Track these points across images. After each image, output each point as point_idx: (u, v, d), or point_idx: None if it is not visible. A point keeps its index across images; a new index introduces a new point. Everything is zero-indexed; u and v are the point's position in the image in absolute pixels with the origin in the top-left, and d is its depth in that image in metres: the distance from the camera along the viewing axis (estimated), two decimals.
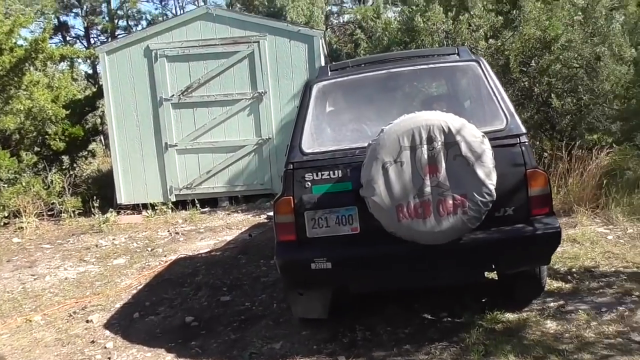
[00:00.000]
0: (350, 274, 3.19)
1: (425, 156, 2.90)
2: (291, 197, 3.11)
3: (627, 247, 4.67)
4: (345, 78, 3.71)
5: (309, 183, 3.11)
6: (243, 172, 8.16)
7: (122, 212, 8.45)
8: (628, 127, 6.54)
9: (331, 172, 3.12)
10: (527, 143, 3.19)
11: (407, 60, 3.89)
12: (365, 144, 3.05)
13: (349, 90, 3.81)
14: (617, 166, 6.06)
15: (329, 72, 3.76)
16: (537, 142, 7.04)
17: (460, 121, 2.96)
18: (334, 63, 3.95)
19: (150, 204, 8.29)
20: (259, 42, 7.84)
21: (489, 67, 3.52)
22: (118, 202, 8.43)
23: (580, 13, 6.51)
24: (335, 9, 21.10)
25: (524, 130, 3.24)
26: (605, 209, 5.67)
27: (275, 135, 8.01)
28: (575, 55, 6.55)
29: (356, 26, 13.38)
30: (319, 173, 3.11)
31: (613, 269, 4.15)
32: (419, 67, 3.75)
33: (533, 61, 6.76)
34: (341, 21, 20.64)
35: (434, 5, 6.75)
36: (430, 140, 2.90)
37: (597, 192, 5.84)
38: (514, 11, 6.87)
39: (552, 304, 3.55)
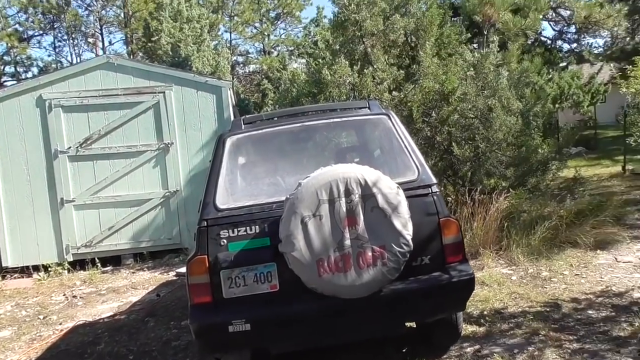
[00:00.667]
0: (271, 334, 3.04)
1: (344, 209, 2.90)
2: (205, 256, 2.95)
3: (530, 286, 4.93)
4: (260, 131, 3.66)
5: (225, 240, 2.98)
6: (149, 227, 7.71)
7: (9, 276, 7.61)
8: (520, 173, 7.08)
9: (248, 228, 3.02)
10: (438, 193, 3.31)
11: (321, 114, 3.95)
12: (282, 198, 3.00)
13: (264, 144, 3.76)
14: (515, 209, 6.49)
15: (243, 125, 3.69)
16: (442, 188, 7.38)
17: (376, 173, 3.01)
18: (247, 116, 3.90)
19: (43, 265, 7.56)
20: (164, 92, 7.61)
21: (398, 120, 3.65)
22: (3, 265, 7.58)
23: (472, 69, 7.07)
24: (240, 59, 21.39)
25: (434, 180, 3.36)
26: (508, 250, 6.00)
27: (184, 187, 7.71)
28: (471, 107, 7.04)
29: (263, 76, 13.59)
30: (235, 229, 2.99)
31: (520, 310, 4.34)
32: (332, 120, 3.81)
33: (433, 112, 7.17)
34: (247, 71, 20.90)
35: (339, 59, 7.00)
36: (348, 193, 2.91)
37: (500, 235, 6.19)
38: (414, 66, 7.31)
39: (468, 349, 3.61)
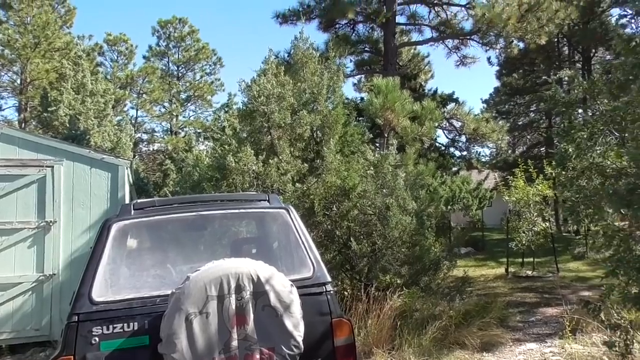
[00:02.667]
0: None
1: (233, 307, 2.74)
2: (72, 357, 2.59)
3: None
4: (151, 218, 3.44)
5: (97, 338, 2.66)
6: (14, 315, 6.71)
7: None
8: (414, 271, 7.29)
9: (125, 325, 2.73)
10: (332, 291, 3.25)
11: (218, 204, 3.83)
12: (168, 292, 2.77)
13: (154, 232, 3.54)
14: (408, 307, 6.59)
15: (132, 211, 3.45)
16: (339, 282, 7.37)
17: (270, 270, 2.90)
18: (138, 201, 3.66)
19: None
20: (53, 166, 7.01)
21: (297, 215, 3.62)
22: None
23: (372, 168, 7.40)
24: (145, 136, 20.95)
25: (329, 278, 3.30)
26: (400, 350, 5.97)
27: (62, 270, 6.92)
28: (370, 204, 7.28)
29: (166, 156, 13.29)
30: (110, 326, 2.69)
31: None
32: (229, 211, 3.70)
33: (334, 206, 7.31)
34: (151, 149, 20.41)
35: (245, 147, 7.03)
36: (239, 289, 2.76)
37: (393, 333, 6.19)
38: (318, 160, 7.52)
39: None
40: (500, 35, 13.05)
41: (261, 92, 7.41)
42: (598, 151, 3.22)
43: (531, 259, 12.49)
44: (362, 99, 9.63)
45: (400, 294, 6.62)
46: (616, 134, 3.13)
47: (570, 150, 3.55)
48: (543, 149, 26.54)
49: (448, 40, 15.50)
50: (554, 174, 13.26)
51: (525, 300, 9.06)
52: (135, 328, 2.74)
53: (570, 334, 6.47)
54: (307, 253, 3.35)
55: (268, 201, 3.75)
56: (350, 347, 3.14)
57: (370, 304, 6.39)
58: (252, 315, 2.75)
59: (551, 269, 12.12)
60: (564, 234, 19.28)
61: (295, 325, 2.80)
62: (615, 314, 4.39)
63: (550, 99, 3.64)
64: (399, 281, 7.60)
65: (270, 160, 7.33)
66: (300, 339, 2.79)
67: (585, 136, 3.25)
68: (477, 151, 22.69)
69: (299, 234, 3.45)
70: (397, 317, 6.39)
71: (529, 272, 11.71)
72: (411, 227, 7.11)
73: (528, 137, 29.32)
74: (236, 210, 3.72)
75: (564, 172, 3.97)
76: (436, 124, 10.48)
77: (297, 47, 8.12)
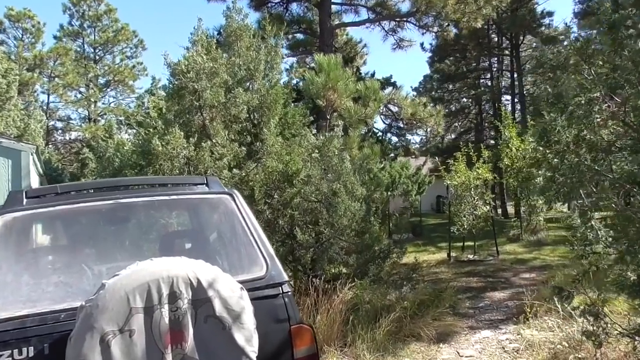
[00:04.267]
0: None
1: (167, 320, 2.08)
2: None
3: None
4: (50, 209, 2.63)
5: None
6: None
7: None
8: (363, 260, 6.82)
9: (16, 352, 2.01)
10: (290, 293, 2.66)
11: (143, 189, 3.05)
12: (76, 305, 2.06)
13: (56, 226, 2.75)
14: (359, 300, 6.10)
15: (24, 200, 2.64)
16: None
17: (213, 271, 2.26)
18: (33, 188, 2.84)
19: None
20: None
21: (243, 202, 2.96)
22: None
23: (317, 151, 6.81)
24: (60, 124, 19.17)
25: (285, 277, 2.71)
26: (353, 347, 5.49)
27: None
28: (315, 190, 6.70)
29: (84, 145, 12.03)
30: None
31: None
32: (158, 197, 2.91)
33: (276, 193, 6.68)
34: (67, 138, 18.72)
35: (174, 129, 6.21)
36: (174, 297, 2.11)
37: (344, 329, 5.69)
38: (257, 143, 6.83)
39: None
40: (439, 17, 12.85)
41: (190, 67, 6.60)
42: (598, 119, 2.82)
43: (471, 243, 12.47)
44: (297, 83, 9.08)
45: (351, 286, 6.11)
46: (617, 99, 2.74)
47: (560, 120, 3.12)
48: (473, 135, 27.22)
49: (385, 22, 15.18)
50: (494, 159, 13.41)
51: (471, 285, 8.87)
52: (31, 355, 2.02)
53: (524, 319, 6.28)
54: (258, 247, 2.74)
55: (207, 185, 3.04)
56: (312, 358, 2.59)
57: (318, 298, 5.85)
58: (191, 330, 2.13)
59: (491, 252, 12.14)
60: (497, 217, 19.72)
61: (248, 338, 2.21)
62: (589, 300, 4.08)
63: (537, 61, 3.20)
64: (345, 271, 7.13)
65: (202, 144, 6.55)
66: (254, 355, 2.21)
67: (582, 102, 2.84)
68: (406, 139, 22.89)
69: (247, 225, 2.82)
70: (349, 311, 5.89)
71: (471, 256, 11.65)
72: (360, 213, 6.62)
73: (456, 124, 29.93)
74: (167, 197, 2.93)
75: (542, 147, 3.55)
76: (380, 105, 10.08)
77: (231, 18, 7.33)
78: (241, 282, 2.35)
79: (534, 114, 19.43)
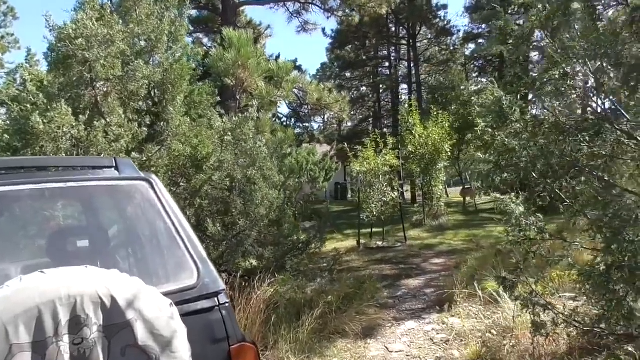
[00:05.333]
0: None
1: (67, 357, 1.42)
2: None
3: None
4: None
5: None
6: None
7: None
8: (280, 253, 6.30)
9: None
10: (228, 304, 2.11)
11: (30, 173, 2.22)
12: None
13: None
14: (280, 297, 5.59)
15: None
16: None
17: (133, 284, 1.65)
18: None
19: None
20: None
21: (164, 190, 2.32)
22: None
23: (229, 134, 6.13)
24: None
25: (222, 284, 2.15)
26: (275, 349, 4.99)
27: None
28: (227, 176, 6.04)
29: None
30: None
31: None
32: (49, 185, 2.12)
33: (183, 180, 5.93)
34: None
35: (59, 105, 5.19)
36: (78, 325, 1.50)
37: (264, 330, 5.16)
38: (161, 124, 5.99)
39: None
40: (346, 0, 12.56)
41: (80, 32, 5.58)
42: (574, 96, 2.56)
43: (378, 229, 12.45)
44: (203, 58, 8.23)
45: (271, 282, 5.58)
46: (593, 75, 2.48)
47: (514, 101, 2.83)
48: (371, 122, 27.70)
49: (290, 3, 14.66)
50: (398, 145, 13.49)
51: (385, 273, 8.72)
52: None
53: (448, 307, 6.18)
54: (187, 248, 2.14)
55: (116, 168, 2.32)
56: None
57: (234, 297, 5.26)
58: None
59: (399, 239, 12.20)
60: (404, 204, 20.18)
61: None
62: (532, 287, 3.92)
63: (499, 31, 2.90)
64: (256, 264, 6.57)
65: (95, 123, 5.59)
66: None
67: (557, 76, 2.56)
68: (305, 125, 22.69)
69: (171, 219, 2.19)
70: (268, 310, 5.37)
71: (379, 243, 11.59)
72: (278, 202, 6.08)
73: (354, 112, 30.28)
74: (62, 184, 2.14)
75: (492, 131, 3.26)
76: (293, 87, 9.57)
77: None
78: (166, 294, 1.76)
79: (430, 102, 20.10)
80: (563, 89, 2.55)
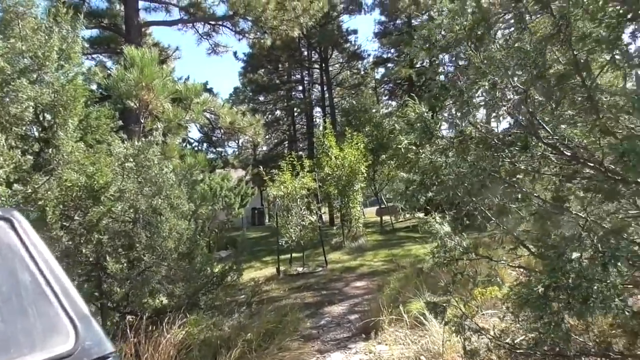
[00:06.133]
0: None
1: None
2: None
3: None
4: None
5: None
6: None
7: None
8: (192, 289, 5.74)
9: None
10: None
11: None
12: None
13: None
14: (193, 339, 5.04)
15: None
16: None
17: None
18: None
19: None
20: None
21: (31, 230, 1.84)
22: None
23: (131, 160, 5.55)
24: None
25: (110, 347, 1.72)
26: None
27: None
28: (129, 208, 5.44)
29: None
30: None
31: None
32: None
33: (78, 214, 5.25)
34: None
35: None
36: None
37: None
38: (50, 150, 5.28)
39: None
40: (258, 22, 12.30)
41: None
42: (504, 107, 2.39)
43: (298, 254, 12.09)
44: (105, 80, 7.53)
45: (183, 322, 5.02)
46: (521, 87, 2.32)
47: (447, 114, 2.64)
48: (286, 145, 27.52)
49: (199, 24, 14.13)
50: (315, 168, 13.29)
51: (307, 301, 8.37)
52: None
53: (373, 335, 5.92)
54: (61, 304, 1.69)
55: None
56: None
57: (140, 342, 4.67)
58: None
59: (319, 263, 11.91)
60: (323, 227, 19.97)
61: None
62: (462, 310, 3.74)
63: (425, 40, 2.69)
64: (169, 303, 5.97)
65: None
66: None
67: (487, 86, 2.38)
68: (224, 150, 22.09)
69: (39, 268, 1.72)
70: (180, 355, 4.81)
71: (300, 269, 11.23)
72: (189, 233, 5.55)
73: (268, 136, 29.97)
74: None
75: (415, 147, 3.05)
76: (204, 109, 9.04)
77: None
78: None
79: (344, 124, 20.25)
80: (492, 102, 2.39)
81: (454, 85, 2.55)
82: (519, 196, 2.69)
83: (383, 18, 24.61)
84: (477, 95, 2.45)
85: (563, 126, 2.67)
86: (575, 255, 2.22)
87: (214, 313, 5.84)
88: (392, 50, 24.95)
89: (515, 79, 2.37)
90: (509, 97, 2.42)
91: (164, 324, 4.97)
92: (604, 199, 2.29)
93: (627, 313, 2.53)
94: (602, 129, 2.60)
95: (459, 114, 2.53)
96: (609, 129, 2.55)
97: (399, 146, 3.05)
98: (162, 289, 5.68)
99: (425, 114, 2.94)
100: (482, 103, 2.45)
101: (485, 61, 2.46)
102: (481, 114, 2.74)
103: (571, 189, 2.51)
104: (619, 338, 3.84)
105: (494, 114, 2.55)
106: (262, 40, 14.30)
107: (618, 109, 2.43)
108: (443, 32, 2.64)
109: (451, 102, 2.62)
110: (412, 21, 24.24)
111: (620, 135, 2.61)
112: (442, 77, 2.83)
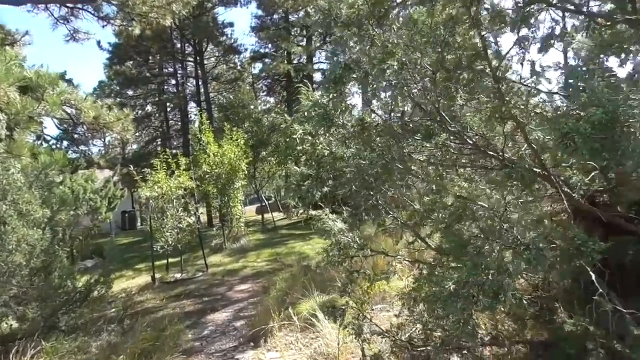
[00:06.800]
0: None
1: None
2: None
3: None
4: None
5: None
6: None
7: None
8: (50, 309, 4.89)
9: None
10: None
11: None
12: None
13: None
14: None
15: None
16: None
17: None
18: None
19: None
20: None
21: None
22: None
23: None
24: None
25: None
26: None
27: None
28: None
29: None
30: None
31: None
32: None
33: None
34: None
35: None
36: None
37: None
38: None
39: None
40: (124, 7, 11.20)
41: None
42: (415, 90, 2.12)
43: (176, 259, 11.27)
44: None
45: (37, 351, 4.21)
46: (430, 68, 2.07)
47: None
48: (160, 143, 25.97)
49: (53, 6, 12.55)
50: (191, 166, 12.50)
51: (187, 310, 7.72)
52: None
53: (262, 342, 5.54)
54: None
55: None
56: None
57: None
58: None
59: (199, 267, 11.20)
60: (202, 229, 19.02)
61: None
62: (360, 312, 3.50)
63: (324, 16, 2.34)
64: (20, 327, 5.05)
65: None
66: None
67: (395, 67, 2.11)
68: (88, 148, 20.17)
69: None
70: None
71: (178, 275, 10.43)
72: (43, 244, 4.70)
73: (139, 133, 27.99)
74: None
75: (312, 138, 2.72)
76: (62, 99, 7.83)
77: None
78: None
79: (222, 120, 19.52)
80: (401, 84, 2.14)
81: (358, 66, 2.26)
82: (433, 187, 2.49)
83: (260, 12, 24.21)
84: (386, 75, 2.19)
85: (468, 114, 2.49)
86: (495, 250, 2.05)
87: (78, 334, 5.03)
88: (270, 45, 24.62)
89: (426, 58, 2.15)
90: (417, 79, 2.19)
91: (10, 355, 4.12)
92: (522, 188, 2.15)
93: (524, 302, 2.46)
94: (503, 115, 2.48)
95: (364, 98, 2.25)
96: (513, 115, 2.42)
97: (294, 136, 2.69)
98: (10, 312, 4.76)
99: (322, 99, 2.62)
100: (390, 85, 2.20)
101: (391, 40, 2.20)
102: (386, 97, 2.50)
103: (481, 181, 2.35)
104: (509, 325, 3.90)
105: (400, 98, 2.32)
106: (129, 29, 13.06)
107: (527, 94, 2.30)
108: (344, 8, 2.34)
109: (355, 85, 2.33)
110: (290, 17, 24.10)
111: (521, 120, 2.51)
112: (341, 59, 2.56)
